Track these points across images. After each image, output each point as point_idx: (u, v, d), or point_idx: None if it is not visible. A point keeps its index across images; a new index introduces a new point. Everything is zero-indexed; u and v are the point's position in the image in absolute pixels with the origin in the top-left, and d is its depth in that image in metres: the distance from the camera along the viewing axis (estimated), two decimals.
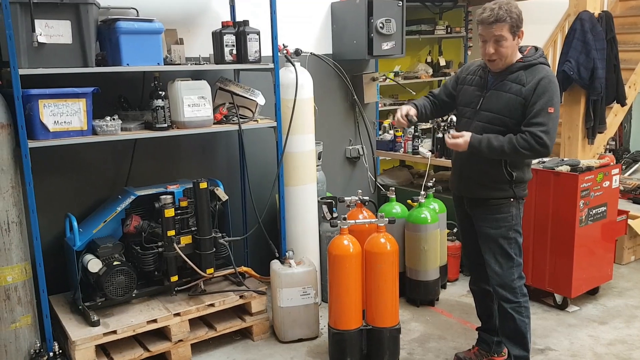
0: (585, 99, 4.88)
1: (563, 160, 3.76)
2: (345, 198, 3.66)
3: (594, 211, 3.61)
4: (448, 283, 4.12)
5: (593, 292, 3.88)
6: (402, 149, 4.59)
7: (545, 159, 3.82)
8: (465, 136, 2.60)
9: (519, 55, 2.64)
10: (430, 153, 4.32)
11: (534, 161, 3.76)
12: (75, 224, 3.04)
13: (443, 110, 3.06)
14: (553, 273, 3.65)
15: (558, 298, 3.72)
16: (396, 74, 5.84)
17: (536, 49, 2.69)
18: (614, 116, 5.47)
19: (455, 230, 4.14)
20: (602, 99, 4.89)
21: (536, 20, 6.30)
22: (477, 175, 2.72)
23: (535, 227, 3.70)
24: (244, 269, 3.55)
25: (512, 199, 2.71)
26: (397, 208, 3.87)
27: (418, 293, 3.82)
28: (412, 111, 2.83)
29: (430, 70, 6.13)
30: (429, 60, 6.34)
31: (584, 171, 3.53)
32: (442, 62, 6.29)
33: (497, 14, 2.51)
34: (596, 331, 3.44)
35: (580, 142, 4.97)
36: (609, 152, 6.19)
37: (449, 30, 6.07)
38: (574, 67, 4.73)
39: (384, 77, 5.50)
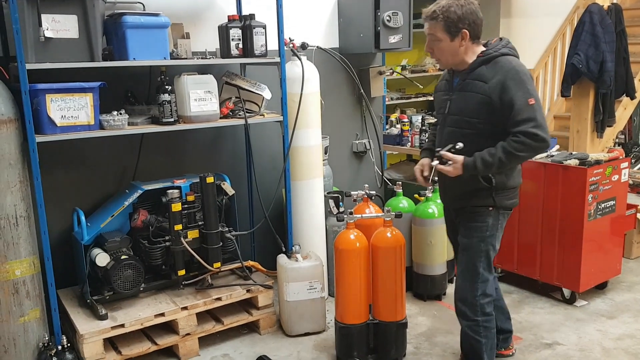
0: (594, 93, 4.84)
1: (572, 154, 3.73)
2: (352, 192, 3.66)
3: (602, 205, 3.58)
4: (455, 277, 4.10)
5: (601, 287, 3.85)
6: (409, 143, 4.57)
7: (553, 153, 3.79)
8: (457, 162, 2.43)
9: (481, 50, 2.48)
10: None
11: (542, 155, 3.74)
12: (83, 218, 3.05)
13: None
14: (561, 267, 3.63)
15: (566, 292, 3.70)
16: (403, 68, 5.82)
17: (501, 39, 2.53)
18: (624, 109, 5.43)
19: None
20: (611, 92, 4.86)
21: (545, 13, 6.25)
22: (458, 184, 2.53)
23: (543, 221, 3.68)
24: (250, 263, 3.55)
25: (490, 208, 2.54)
26: (404, 202, 3.86)
27: (425, 287, 3.82)
28: (427, 169, 2.61)
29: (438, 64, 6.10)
30: None
31: (593, 165, 3.50)
32: None
33: (430, 11, 2.42)
34: (604, 326, 3.42)
35: (589, 136, 4.94)
36: (618, 145, 6.14)
37: None
38: (583, 60, 4.70)
39: (391, 70, 5.48)
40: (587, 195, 3.46)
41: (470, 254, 2.60)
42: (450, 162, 2.46)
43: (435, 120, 2.86)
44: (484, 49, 2.49)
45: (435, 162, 2.48)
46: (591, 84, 4.79)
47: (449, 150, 2.47)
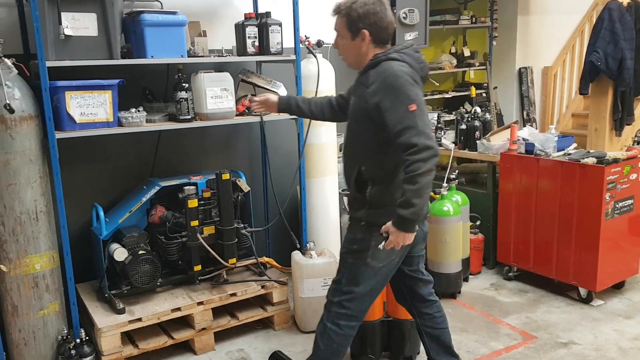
0: (613, 90, 4.79)
1: (589, 152, 3.70)
2: None
3: (620, 204, 3.55)
4: (470, 276, 4.10)
5: (618, 286, 3.82)
6: None
7: (571, 151, 3.76)
8: (391, 232, 2.22)
9: (374, 54, 2.34)
10: (453, 145, 4.29)
11: (559, 153, 3.71)
12: (101, 213, 3.10)
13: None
14: (578, 266, 3.61)
15: (583, 292, 3.67)
16: None
17: (403, 42, 2.40)
18: None
19: (478, 223, 4.12)
20: (630, 90, 4.81)
21: (563, 10, 6.19)
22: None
23: (560, 220, 3.66)
24: (265, 259, 3.58)
25: (363, 222, 2.37)
26: None
27: (439, 285, 3.80)
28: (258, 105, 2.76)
29: (455, 61, 6.06)
30: (453, 50, 6.27)
31: (611, 163, 3.46)
32: (467, 53, 6.22)
33: (338, 5, 2.34)
34: (621, 325, 3.39)
35: (607, 134, 4.89)
36: (638, 144, 6.05)
37: (473, 20, 5.99)
38: (601, 58, 4.65)
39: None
40: (604, 194, 3.43)
41: (340, 262, 2.50)
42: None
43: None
44: (377, 52, 2.35)
45: (382, 245, 2.29)
46: (610, 81, 4.74)
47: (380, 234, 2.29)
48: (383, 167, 2.31)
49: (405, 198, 2.15)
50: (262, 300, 3.44)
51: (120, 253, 3.02)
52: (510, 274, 4.05)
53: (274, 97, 2.77)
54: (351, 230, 2.46)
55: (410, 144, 2.12)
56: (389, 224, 2.23)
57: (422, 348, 3.11)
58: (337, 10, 2.34)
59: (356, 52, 2.35)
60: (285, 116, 3.45)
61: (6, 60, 2.66)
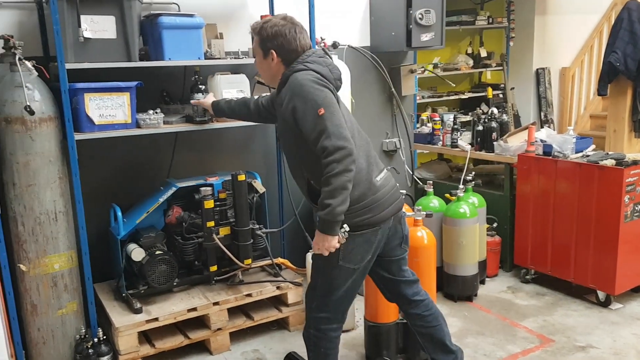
0: (632, 91, 4.73)
1: (608, 154, 3.65)
2: None
3: (639, 207, 3.50)
4: (487, 279, 4.07)
5: (638, 290, 3.76)
6: (441, 142, 4.54)
7: (589, 153, 3.72)
8: (316, 236, 2.24)
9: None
10: (469, 146, 4.26)
11: (577, 155, 3.67)
12: (119, 214, 3.13)
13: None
14: (596, 269, 3.56)
15: (601, 295, 3.63)
16: (435, 66, 5.78)
17: (303, 55, 2.35)
18: None
19: (495, 225, 4.09)
20: None
21: (581, 10, 6.13)
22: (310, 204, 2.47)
23: (578, 223, 3.62)
24: (280, 260, 3.59)
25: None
26: (434, 202, 3.84)
27: (456, 288, 3.79)
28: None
29: (471, 62, 6.04)
30: (469, 51, 6.24)
31: (630, 165, 3.42)
32: (483, 54, 6.19)
33: (253, 26, 2.39)
34: None
35: (626, 136, 4.83)
36: None
37: (490, 21, 5.96)
38: (620, 58, 4.60)
39: (423, 69, 5.44)
40: (623, 196, 3.39)
41: (312, 267, 2.49)
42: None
43: (265, 96, 2.80)
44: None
45: (310, 252, 2.34)
46: (629, 82, 4.68)
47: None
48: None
49: (321, 199, 2.18)
50: (277, 301, 3.45)
51: (137, 253, 3.05)
52: (528, 276, 4.02)
53: (208, 102, 2.96)
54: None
55: (322, 147, 2.16)
56: (316, 234, 2.24)
57: None
58: (252, 29, 2.41)
59: (268, 70, 2.41)
60: None
61: (26, 62, 2.70)
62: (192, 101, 3.12)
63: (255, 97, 2.84)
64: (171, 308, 3.08)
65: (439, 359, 2.69)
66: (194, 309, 3.11)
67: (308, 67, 2.29)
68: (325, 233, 2.21)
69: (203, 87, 3.11)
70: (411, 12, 3.93)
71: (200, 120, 3.13)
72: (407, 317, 2.72)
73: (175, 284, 3.19)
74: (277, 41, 2.32)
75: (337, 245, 2.25)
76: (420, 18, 3.95)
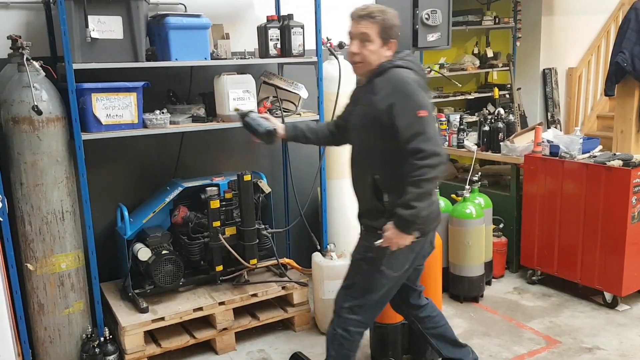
0: (639, 92, 4.70)
1: (615, 154, 3.63)
2: None
3: None
4: (493, 279, 4.06)
5: None
6: (447, 142, 4.53)
7: (596, 153, 3.70)
8: (388, 229, 2.25)
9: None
10: (475, 146, 4.25)
11: (584, 155, 3.66)
12: (126, 213, 3.14)
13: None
14: (603, 271, 3.55)
15: (608, 296, 3.61)
16: (441, 66, 5.77)
17: (403, 51, 2.39)
18: None
19: (501, 226, 4.08)
20: None
21: (588, 11, 6.10)
22: (360, 202, 2.49)
23: (585, 223, 3.60)
24: (286, 260, 3.59)
25: (379, 231, 2.32)
26: (440, 202, 3.82)
27: (462, 289, 3.78)
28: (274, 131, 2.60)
29: (477, 62, 6.02)
30: (475, 51, 6.23)
31: (637, 166, 3.40)
32: (490, 54, 6.17)
33: (371, 11, 2.31)
34: None
35: (633, 136, 4.80)
36: None
37: (497, 21, 5.94)
38: (627, 59, 4.57)
39: (429, 69, 5.43)
40: (630, 197, 3.37)
41: (352, 268, 2.50)
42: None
43: (334, 121, 2.74)
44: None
45: (378, 242, 2.31)
46: (636, 82, 4.65)
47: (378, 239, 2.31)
48: (397, 175, 2.28)
49: (406, 199, 2.17)
50: (283, 301, 3.45)
51: (144, 253, 3.06)
52: (534, 277, 4.00)
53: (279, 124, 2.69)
54: (366, 237, 2.45)
55: (418, 149, 2.15)
56: (389, 223, 2.24)
57: None
58: (369, 14, 2.31)
59: (378, 59, 2.33)
60: (306, 118, 3.47)
61: (34, 62, 2.72)
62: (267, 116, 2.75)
63: (329, 123, 2.78)
64: (177, 308, 3.09)
65: (455, 355, 2.74)
66: (200, 309, 3.11)
67: (409, 67, 2.31)
68: (402, 231, 2.22)
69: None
70: (417, 12, 3.92)
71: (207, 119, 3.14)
72: (418, 322, 2.73)
73: (181, 283, 3.20)
74: (396, 32, 2.33)
75: (408, 244, 2.27)
76: (426, 18, 3.93)
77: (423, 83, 2.34)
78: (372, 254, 2.38)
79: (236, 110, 2.81)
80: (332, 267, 3.31)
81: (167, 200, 3.19)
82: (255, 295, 3.28)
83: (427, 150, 2.14)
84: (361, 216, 2.52)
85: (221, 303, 3.16)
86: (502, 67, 6.05)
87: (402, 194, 2.24)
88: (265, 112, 3.34)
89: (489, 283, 3.98)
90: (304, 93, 3.45)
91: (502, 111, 4.28)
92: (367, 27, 2.30)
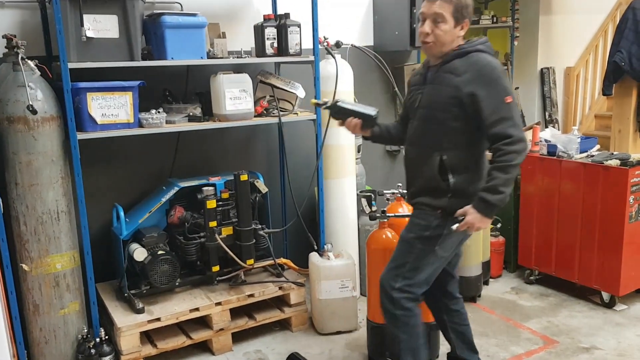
0: (636, 91, 4.70)
1: (613, 154, 3.63)
2: (385, 191, 3.63)
3: None
4: (491, 279, 4.05)
5: None
6: None
7: (594, 153, 3.70)
8: (468, 211, 2.27)
9: (458, 44, 2.38)
10: None
11: (582, 155, 3.65)
12: (122, 213, 3.12)
13: None
14: (600, 270, 3.54)
15: (605, 296, 3.61)
16: None
17: (479, 37, 2.43)
18: None
19: (498, 225, 4.07)
20: None
21: (586, 10, 6.09)
22: (418, 182, 2.47)
23: (582, 223, 3.60)
24: (283, 260, 3.58)
25: (439, 210, 2.38)
26: None
27: (459, 289, 3.76)
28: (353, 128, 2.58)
29: None
30: None
31: (635, 165, 3.40)
32: None
33: None
34: None
35: (631, 136, 4.80)
36: None
37: (494, 20, 5.92)
38: (625, 58, 4.57)
39: None
40: (628, 196, 3.36)
41: (404, 247, 2.50)
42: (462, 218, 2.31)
43: (400, 115, 2.76)
44: (460, 43, 2.40)
45: (455, 226, 2.33)
46: (634, 82, 4.65)
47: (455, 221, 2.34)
48: (469, 157, 2.36)
49: (494, 184, 2.22)
50: (280, 302, 3.44)
51: (140, 253, 3.05)
52: (532, 277, 4.00)
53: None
54: (423, 217, 2.45)
55: (506, 134, 2.20)
56: (467, 207, 2.28)
57: (440, 352, 3.09)
58: None
59: (451, 39, 2.34)
60: (303, 117, 3.46)
61: (29, 62, 2.70)
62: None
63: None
64: (173, 308, 3.08)
65: (468, 357, 2.77)
66: (196, 309, 3.10)
67: (491, 53, 2.36)
68: (485, 215, 2.26)
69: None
70: (415, 10, 3.92)
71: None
72: (446, 314, 2.75)
73: (177, 284, 3.19)
74: (469, 12, 2.34)
75: (486, 226, 2.31)
76: None
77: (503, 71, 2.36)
78: (430, 232, 2.41)
79: (317, 104, 2.68)
80: (329, 267, 3.30)
81: (163, 200, 3.18)
82: (252, 295, 3.27)
83: (515, 136, 2.19)
84: (416, 195, 2.50)
85: (218, 303, 3.15)
86: None
87: (466, 176, 2.35)
88: (263, 112, 3.34)
89: (486, 283, 3.98)
90: (301, 92, 3.44)
91: None
92: (441, 6, 2.30)
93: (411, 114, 2.53)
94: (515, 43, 6.01)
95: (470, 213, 2.27)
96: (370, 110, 2.59)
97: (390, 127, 2.73)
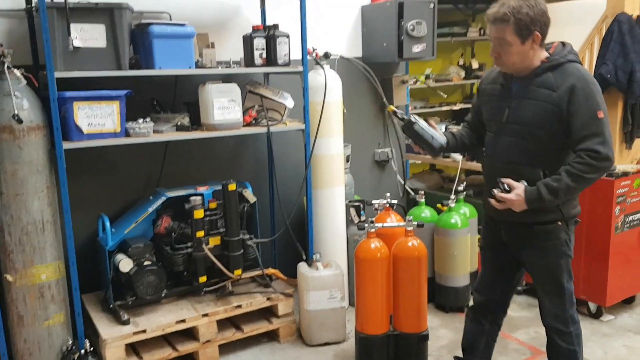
0: (623, 103, 4.75)
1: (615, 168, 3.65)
2: (374, 201, 3.64)
3: (630, 218, 3.51)
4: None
5: (629, 301, 3.77)
6: None
7: None
8: (517, 189, 2.26)
9: (545, 55, 2.31)
10: (461, 157, 4.26)
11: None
12: (107, 224, 3.10)
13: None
14: (587, 281, 3.56)
15: (592, 307, 3.62)
16: (427, 77, 5.80)
17: (563, 44, 2.35)
18: None
19: None
20: None
21: (572, 22, 6.16)
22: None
23: None
24: (271, 271, 3.56)
25: (559, 222, 2.36)
26: (426, 212, 3.83)
27: (447, 299, 3.77)
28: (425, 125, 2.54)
29: (463, 73, 6.06)
30: (461, 62, 6.27)
31: (620, 176, 3.43)
32: (475, 65, 6.22)
33: (499, 12, 2.21)
34: (632, 341, 3.34)
35: (617, 147, 4.84)
36: None
37: (482, 33, 5.99)
38: (611, 70, 4.63)
39: (415, 79, 5.45)
40: (614, 207, 3.39)
41: (552, 273, 2.44)
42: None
43: (467, 119, 2.71)
44: (547, 54, 2.32)
45: (497, 191, 2.31)
46: (620, 94, 4.70)
47: (502, 190, 2.31)
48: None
49: (557, 186, 2.20)
50: (268, 313, 3.42)
51: (125, 264, 3.02)
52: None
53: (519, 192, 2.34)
54: (550, 237, 2.39)
55: (594, 149, 2.16)
56: (519, 184, 2.26)
57: None
58: (504, 18, 2.21)
59: (525, 55, 2.27)
60: (292, 127, 3.46)
61: (15, 71, 2.68)
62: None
63: (458, 130, 2.74)
64: (159, 320, 3.05)
65: None
66: (183, 321, 3.07)
67: (581, 64, 2.30)
68: (528, 204, 2.25)
69: None
70: (402, 23, 3.94)
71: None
72: (491, 325, 2.73)
73: (163, 295, 3.16)
74: (539, 22, 2.23)
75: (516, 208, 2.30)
76: (411, 29, 3.96)
77: None
78: (564, 247, 2.40)
79: (394, 112, 2.60)
80: (318, 277, 3.29)
81: (150, 210, 3.16)
82: (239, 306, 3.25)
83: (602, 153, 2.15)
84: (520, 215, 2.33)
85: (204, 315, 3.12)
86: None
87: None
88: (251, 121, 3.33)
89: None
90: (289, 102, 3.44)
91: None
92: (500, 30, 2.24)
93: (494, 126, 2.45)
94: None
95: (516, 192, 2.26)
96: (436, 143, 2.55)
97: (465, 137, 2.68)
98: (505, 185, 2.30)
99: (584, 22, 6.26)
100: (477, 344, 2.78)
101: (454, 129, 2.84)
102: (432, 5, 4.06)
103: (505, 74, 2.41)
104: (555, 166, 2.28)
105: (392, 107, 2.67)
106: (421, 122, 2.55)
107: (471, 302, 2.85)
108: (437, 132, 2.56)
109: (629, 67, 4.61)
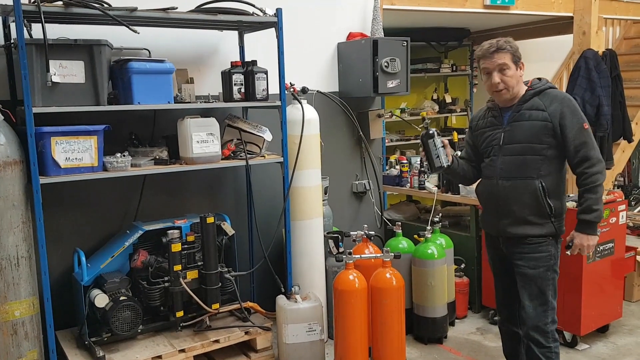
0: None
1: (569, 196, 3.75)
2: (351, 233, 3.67)
3: (601, 247, 3.59)
4: (457, 320, 4.08)
5: (603, 330, 3.82)
6: (409, 184, 4.62)
7: None
8: (577, 237, 2.64)
9: (525, 87, 2.70)
10: (436, 188, 4.34)
11: None
12: (83, 258, 3.07)
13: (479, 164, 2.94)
14: (562, 310, 3.59)
15: (567, 336, 3.67)
16: (402, 111, 5.92)
17: (539, 79, 2.74)
18: (622, 152, 5.49)
19: (462, 266, 4.13)
20: (608, 136, 4.93)
21: (542, 59, 6.39)
22: (519, 211, 2.67)
23: None
24: (249, 304, 3.54)
25: (550, 237, 2.68)
26: (403, 243, 3.87)
27: (426, 330, 3.78)
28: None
29: (437, 107, 6.21)
30: (435, 97, 6.43)
31: None
32: (448, 99, 6.38)
33: (498, 43, 2.63)
34: None
35: None
36: (618, 188, 6.17)
37: (454, 69, 6.18)
38: (579, 104, 4.78)
39: (390, 113, 5.57)
40: None
41: (539, 283, 2.69)
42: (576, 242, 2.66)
43: (462, 155, 2.99)
44: (526, 86, 2.71)
45: (569, 252, 2.69)
46: None
47: (567, 246, 2.70)
48: (559, 181, 2.68)
49: (588, 204, 2.57)
50: (246, 347, 3.39)
51: (101, 299, 2.98)
52: (496, 317, 4.02)
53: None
54: (542, 249, 2.68)
55: (587, 156, 2.55)
56: (573, 232, 2.64)
57: None
58: (503, 46, 2.62)
59: (517, 81, 2.66)
60: (270, 160, 3.50)
61: None
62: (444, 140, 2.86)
63: (458, 160, 2.98)
64: (135, 356, 3.00)
65: None
66: (159, 357, 3.03)
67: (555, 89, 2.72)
68: (590, 234, 2.61)
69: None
70: (377, 60, 4.06)
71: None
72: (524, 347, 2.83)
73: (139, 330, 3.12)
74: (519, 54, 2.67)
75: (595, 243, 2.65)
76: (386, 66, 4.07)
77: None
78: (553, 260, 2.69)
79: (423, 119, 2.92)
80: (296, 310, 3.28)
81: (127, 244, 3.14)
82: (217, 341, 3.21)
83: (594, 158, 2.55)
84: (513, 225, 2.69)
85: (181, 350, 3.08)
86: (460, 112, 6.25)
87: (559, 198, 2.67)
88: (230, 154, 3.36)
89: (452, 324, 4.00)
90: (268, 136, 3.49)
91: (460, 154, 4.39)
92: (502, 57, 2.62)
93: (492, 151, 2.76)
94: (474, 90, 6.25)
95: (577, 237, 2.62)
96: (437, 163, 2.80)
97: (465, 168, 2.96)
98: (570, 243, 2.68)
99: (552, 59, 6.52)
100: (515, 351, 2.95)
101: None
102: (405, 43, 4.19)
103: (492, 109, 2.78)
104: (549, 178, 2.64)
105: (424, 114, 2.94)
106: (437, 141, 2.79)
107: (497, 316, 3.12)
108: (444, 156, 2.80)
109: (597, 101, 4.78)
